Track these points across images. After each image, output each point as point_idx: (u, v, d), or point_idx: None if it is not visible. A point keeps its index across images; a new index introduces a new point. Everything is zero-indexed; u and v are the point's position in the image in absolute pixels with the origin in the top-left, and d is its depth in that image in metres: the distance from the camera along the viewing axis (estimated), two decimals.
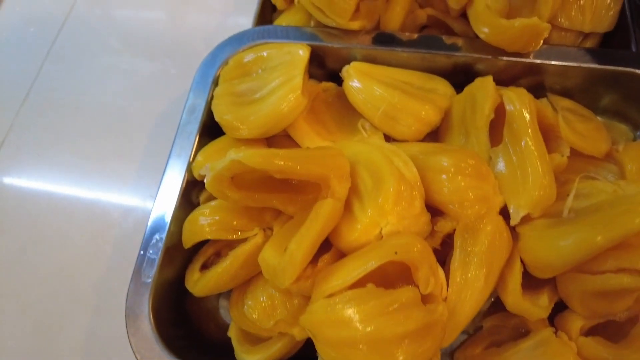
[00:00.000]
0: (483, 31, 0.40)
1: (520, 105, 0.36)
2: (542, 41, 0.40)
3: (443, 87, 0.42)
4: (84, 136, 0.53)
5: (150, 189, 0.50)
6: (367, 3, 0.44)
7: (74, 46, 0.59)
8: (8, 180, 0.52)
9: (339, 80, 0.44)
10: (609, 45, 0.45)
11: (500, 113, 0.38)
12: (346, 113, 0.45)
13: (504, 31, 0.39)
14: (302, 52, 0.41)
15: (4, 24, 0.61)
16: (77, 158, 0.52)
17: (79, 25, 0.61)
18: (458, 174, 0.33)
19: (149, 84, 0.56)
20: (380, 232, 0.32)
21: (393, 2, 0.44)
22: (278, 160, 0.31)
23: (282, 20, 0.48)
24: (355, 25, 0.44)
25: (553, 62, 0.42)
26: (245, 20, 0.58)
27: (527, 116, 0.36)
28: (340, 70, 0.44)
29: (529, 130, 0.35)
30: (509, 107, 0.36)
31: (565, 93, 0.44)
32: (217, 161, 0.32)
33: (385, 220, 0.32)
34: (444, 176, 0.33)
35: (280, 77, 0.40)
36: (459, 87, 0.44)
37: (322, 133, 0.43)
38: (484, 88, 0.38)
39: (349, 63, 0.45)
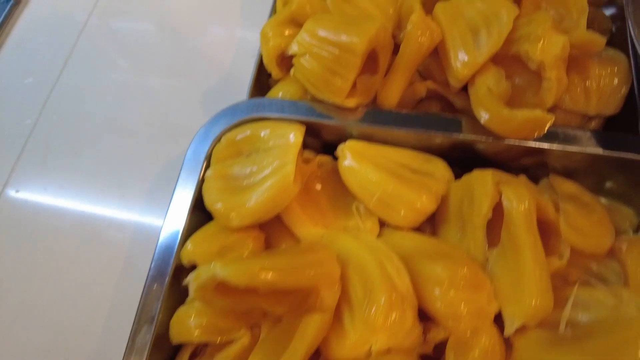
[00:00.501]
0: (483, 116, 0.39)
1: (519, 204, 0.35)
2: (546, 129, 0.39)
3: (441, 170, 0.41)
4: (80, 195, 0.53)
5: (145, 252, 0.50)
6: (364, 78, 0.42)
7: (72, 96, 0.59)
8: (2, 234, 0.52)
9: (334, 151, 0.43)
10: (615, 126, 0.44)
11: (499, 207, 0.37)
12: (341, 191, 0.43)
13: (506, 121, 0.37)
14: (293, 138, 0.40)
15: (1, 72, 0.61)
16: (73, 219, 0.52)
17: (76, 76, 0.60)
18: (451, 287, 0.32)
19: (153, 127, 0.56)
20: (370, 349, 0.31)
21: (390, 79, 0.43)
22: (264, 275, 0.30)
23: (278, 90, 0.47)
24: (351, 103, 0.42)
25: (556, 147, 0.40)
26: (251, 34, 0.59)
27: (525, 219, 0.34)
28: (336, 142, 0.43)
29: (527, 235, 0.34)
30: (507, 208, 0.35)
31: (568, 173, 0.43)
32: (201, 269, 0.32)
33: (375, 337, 0.31)
34: (437, 289, 0.32)
35: (272, 164, 0.39)
36: (457, 163, 0.43)
37: (315, 217, 0.41)
38: (482, 184, 0.37)
39: (345, 137, 0.44)
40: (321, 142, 0.47)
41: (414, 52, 0.41)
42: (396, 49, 0.44)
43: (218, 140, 0.44)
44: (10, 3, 0.64)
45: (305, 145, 0.47)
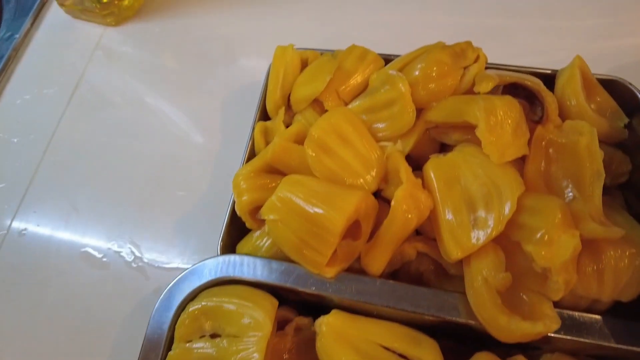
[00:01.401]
0: (477, 313, 0.34)
1: None
2: None
3: (430, 357, 0.36)
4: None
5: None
6: (345, 244, 0.37)
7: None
8: None
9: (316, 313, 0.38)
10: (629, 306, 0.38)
11: None
12: None
13: (502, 329, 0.32)
14: (261, 331, 0.35)
15: None
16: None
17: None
18: None
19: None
20: None
21: (375, 248, 0.37)
22: None
23: (253, 239, 0.42)
24: (329, 273, 0.37)
25: (560, 336, 0.35)
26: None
27: None
28: (317, 303, 0.39)
29: None
30: None
31: (575, 352, 0.38)
32: None
33: None
34: None
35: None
36: (450, 336, 0.38)
37: None
38: None
39: (326, 301, 0.39)
40: (301, 297, 0.43)
41: (399, 229, 0.36)
42: (384, 200, 0.40)
43: (182, 308, 0.39)
44: None
45: (282, 301, 0.42)
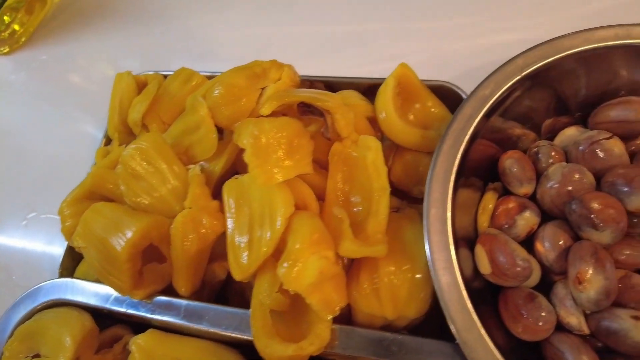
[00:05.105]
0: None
1: None
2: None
3: None
4: None
5: None
6: (151, 268, 0.39)
7: None
8: None
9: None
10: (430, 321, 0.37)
11: None
12: None
13: (260, 349, 0.33)
14: (62, 357, 0.37)
15: None
16: None
17: None
18: None
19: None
20: None
21: (177, 269, 0.39)
22: None
23: (86, 265, 0.45)
24: (138, 295, 0.39)
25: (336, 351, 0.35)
26: None
27: None
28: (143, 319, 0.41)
29: None
30: None
31: None
32: None
33: None
34: None
35: None
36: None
37: None
38: None
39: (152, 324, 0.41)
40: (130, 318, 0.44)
41: (181, 253, 0.37)
42: None
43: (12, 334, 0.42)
44: None
45: (120, 320, 0.44)
